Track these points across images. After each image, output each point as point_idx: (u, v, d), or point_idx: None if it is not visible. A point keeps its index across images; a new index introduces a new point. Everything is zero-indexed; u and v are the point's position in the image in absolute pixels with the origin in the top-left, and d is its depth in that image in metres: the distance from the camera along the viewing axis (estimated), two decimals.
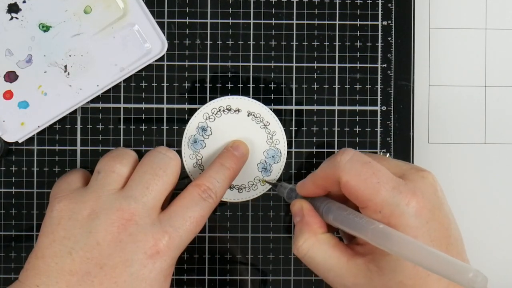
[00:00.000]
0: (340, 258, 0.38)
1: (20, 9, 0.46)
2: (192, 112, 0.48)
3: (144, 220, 0.40)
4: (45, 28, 0.46)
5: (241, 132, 0.47)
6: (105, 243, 0.39)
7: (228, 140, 0.47)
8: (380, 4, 0.48)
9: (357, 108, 0.48)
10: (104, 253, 0.39)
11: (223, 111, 0.47)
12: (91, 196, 0.41)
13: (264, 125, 0.47)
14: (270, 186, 0.47)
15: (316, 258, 0.38)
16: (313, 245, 0.39)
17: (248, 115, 0.47)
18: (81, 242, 0.39)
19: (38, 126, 0.46)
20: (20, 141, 0.47)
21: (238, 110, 0.47)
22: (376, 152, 0.48)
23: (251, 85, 0.48)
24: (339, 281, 0.38)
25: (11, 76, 0.47)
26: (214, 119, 0.47)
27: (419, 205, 0.36)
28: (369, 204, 0.36)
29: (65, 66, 0.47)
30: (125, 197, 0.41)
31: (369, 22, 0.49)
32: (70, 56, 0.47)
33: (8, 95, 0.47)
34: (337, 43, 0.49)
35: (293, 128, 0.48)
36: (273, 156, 0.48)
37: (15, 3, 0.46)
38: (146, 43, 0.47)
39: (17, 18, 0.46)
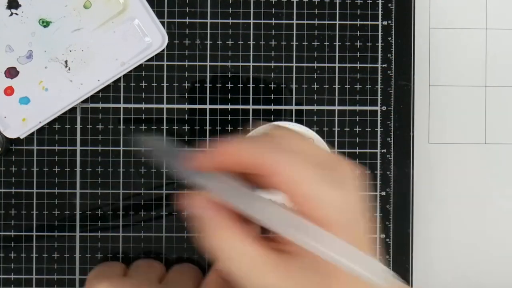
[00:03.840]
0: (258, 255, 0.32)
1: (20, 5, 0.46)
2: (192, 112, 0.48)
3: None
4: (45, 24, 0.46)
5: None
6: None
7: None
8: (380, 4, 0.48)
9: (357, 108, 0.48)
10: None
11: None
12: (131, 283, 0.42)
13: None
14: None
15: (241, 270, 0.33)
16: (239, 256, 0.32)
17: None
18: None
19: (40, 122, 0.47)
20: (21, 137, 0.47)
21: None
22: (376, 152, 0.48)
23: (251, 85, 0.48)
24: (254, 279, 0.32)
25: (11, 72, 0.47)
26: None
27: (342, 197, 0.32)
28: (293, 200, 0.32)
29: (66, 61, 0.47)
30: None
31: (369, 22, 0.49)
32: (70, 51, 0.47)
33: (9, 91, 0.47)
34: (337, 43, 0.48)
35: None
36: None
37: None
38: (147, 37, 0.47)
39: (17, 14, 0.46)
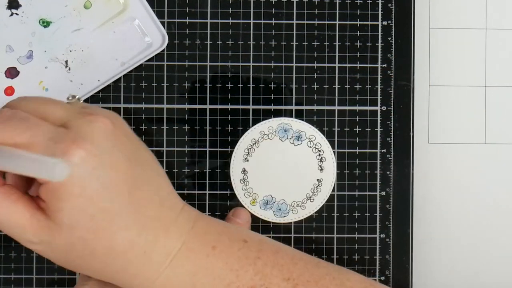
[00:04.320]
0: (23, 214, 0.35)
1: (20, 5, 0.47)
2: (192, 112, 0.48)
3: None
4: (46, 24, 0.47)
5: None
6: None
7: (289, 155, 0.48)
8: (380, 4, 0.48)
9: (357, 108, 0.48)
10: None
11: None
12: None
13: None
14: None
15: None
16: None
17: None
18: None
19: None
20: None
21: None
22: (376, 152, 0.48)
23: (251, 85, 0.48)
24: (25, 238, 0.35)
25: (12, 72, 0.47)
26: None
27: (82, 152, 0.34)
28: None
29: (66, 61, 0.47)
30: None
31: (369, 22, 0.49)
32: (70, 51, 0.47)
33: (9, 91, 0.47)
34: (337, 43, 0.49)
35: None
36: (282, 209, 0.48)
37: None
38: (147, 37, 0.47)
39: (17, 14, 0.46)
